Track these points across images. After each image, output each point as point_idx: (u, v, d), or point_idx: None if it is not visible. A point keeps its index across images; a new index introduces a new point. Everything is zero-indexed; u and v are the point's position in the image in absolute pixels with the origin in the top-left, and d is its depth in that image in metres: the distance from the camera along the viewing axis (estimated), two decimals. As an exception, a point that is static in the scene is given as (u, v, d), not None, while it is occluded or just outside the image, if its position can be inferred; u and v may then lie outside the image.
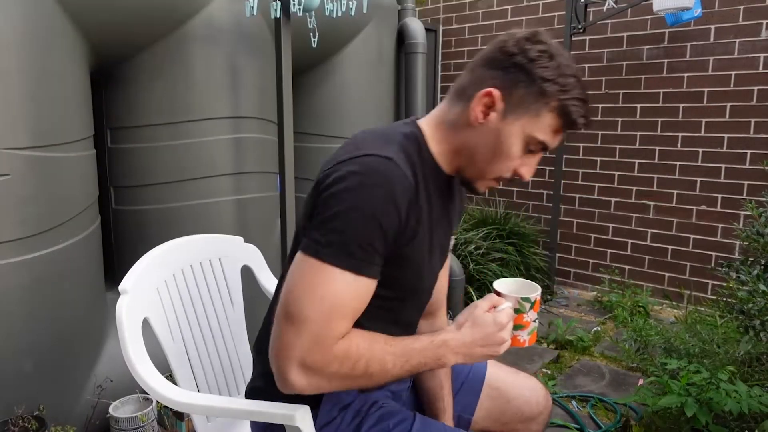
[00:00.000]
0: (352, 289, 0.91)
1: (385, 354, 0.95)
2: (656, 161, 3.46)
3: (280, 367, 0.93)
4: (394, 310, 1.07)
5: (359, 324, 0.97)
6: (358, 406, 1.11)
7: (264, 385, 1.10)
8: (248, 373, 1.47)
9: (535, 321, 1.03)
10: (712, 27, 3.17)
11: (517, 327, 1.01)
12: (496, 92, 0.93)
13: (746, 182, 3.17)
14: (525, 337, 1.02)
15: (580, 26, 3.40)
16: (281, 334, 0.92)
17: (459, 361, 0.99)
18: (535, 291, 1.02)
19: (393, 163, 0.91)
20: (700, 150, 3.30)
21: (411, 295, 1.08)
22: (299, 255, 0.93)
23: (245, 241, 1.52)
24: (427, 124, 1.04)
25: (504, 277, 3.32)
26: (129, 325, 1.14)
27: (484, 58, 0.97)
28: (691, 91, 3.28)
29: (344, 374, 0.93)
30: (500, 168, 0.98)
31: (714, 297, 3.21)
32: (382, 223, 0.90)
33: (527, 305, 1.00)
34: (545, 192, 3.94)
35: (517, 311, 1.00)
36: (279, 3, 2.05)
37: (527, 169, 0.99)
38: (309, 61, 2.79)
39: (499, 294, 1.02)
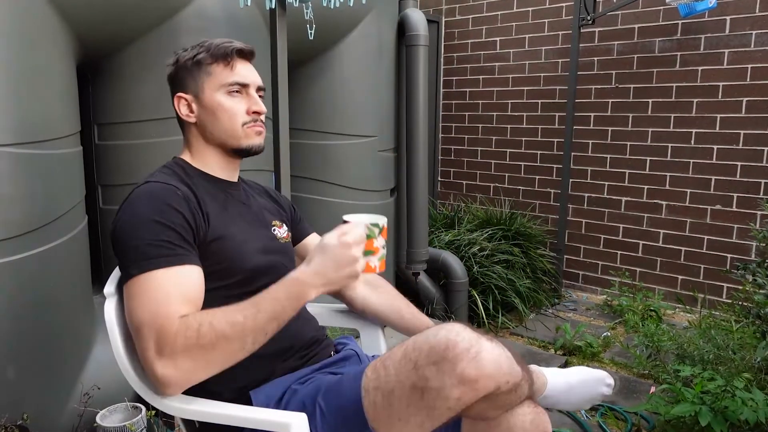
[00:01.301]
0: (168, 280, 1.06)
1: (232, 312, 1.05)
2: (669, 159, 3.46)
3: (149, 373, 1.05)
4: (246, 294, 1.17)
5: None
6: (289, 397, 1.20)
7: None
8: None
9: (383, 248, 1.14)
10: (728, 18, 3.18)
11: (367, 253, 1.11)
12: (180, 94, 1.28)
13: (763, 181, 3.17)
14: (376, 263, 1.13)
15: (589, 18, 3.40)
16: (138, 349, 1.06)
17: (321, 291, 1.09)
18: (381, 219, 1.14)
19: (151, 183, 1.16)
20: (715, 147, 3.30)
21: (253, 278, 1.22)
22: (124, 288, 1.09)
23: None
24: (183, 154, 1.32)
25: (510, 280, 3.33)
26: (120, 327, 1.16)
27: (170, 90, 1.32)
28: (706, 85, 3.29)
29: (195, 344, 1.02)
30: (234, 119, 1.26)
31: (729, 301, 3.22)
32: (163, 221, 1.09)
33: (376, 230, 1.12)
34: (552, 191, 3.94)
35: (367, 237, 1.11)
36: (274, -7, 2.05)
37: (255, 106, 1.27)
38: (305, 54, 2.79)
39: (346, 223, 1.12)
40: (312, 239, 1.52)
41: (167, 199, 1.13)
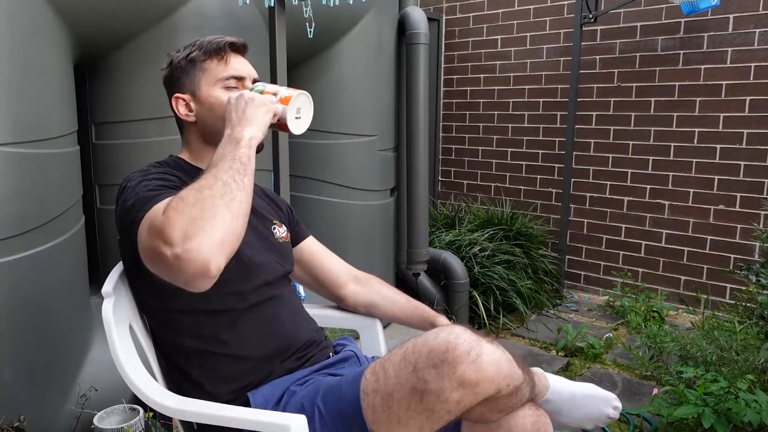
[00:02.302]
0: (161, 206, 1.04)
1: (198, 179, 1.04)
2: (671, 158, 3.46)
3: (173, 268, 0.97)
4: (242, 293, 1.23)
5: (222, 324, 1.20)
6: (288, 397, 1.19)
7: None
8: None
9: (281, 86, 1.26)
10: (731, 16, 3.18)
11: (273, 96, 1.22)
12: (177, 94, 1.29)
13: (767, 180, 3.17)
14: (286, 92, 1.23)
15: (591, 15, 3.40)
16: (160, 268, 1.00)
17: (248, 129, 1.12)
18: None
19: (145, 168, 1.23)
20: (718, 146, 3.30)
21: (246, 274, 1.24)
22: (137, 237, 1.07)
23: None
24: (181, 153, 1.35)
25: (511, 281, 3.33)
26: (117, 328, 1.16)
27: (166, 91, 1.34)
28: (709, 84, 3.29)
29: (185, 206, 0.98)
30: None
31: (732, 301, 3.22)
32: (157, 178, 1.17)
33: (259, 86, 1.26)
34: (554, 191, 3.94)
35: (259, 92, 1.23)
36: (273, -9, 2.05)
37: None
38: (305, 53, 2.79)
39: None
40: (309, 242, 1.53)
41: (159, 170, 1.21)
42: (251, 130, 1.12)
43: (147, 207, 1.06)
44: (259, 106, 1.15)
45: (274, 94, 1.23)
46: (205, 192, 0.99)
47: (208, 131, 1.28)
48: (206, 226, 0.96)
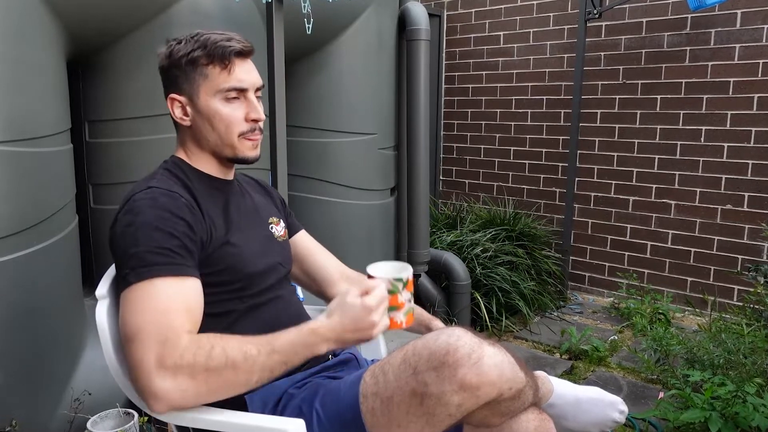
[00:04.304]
0: (171, 290, 1.05)
1: (245, 343, 1.04)
2: (678, 157, 3.46)
3: (143, 383, 1.00)
4: (242, 297, 1.23)
5: (222, 326, 1.15)
6: (288, 399, 1.19)
7: None
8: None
9: (409, 301, 1.12)
10: (739, 12, 3.18)
11: (392, 308, 1.09)
12: (173, 95, 1.23)
13: (775, 179, 3.17)
14: (402, 318, 1.11)
15: (595, 11, 3.40)
16: (131, 357, 1.03)
17: (332, 347, 1.08)
18: (406, 270, 1.12)
19: (153, 189, 1.14)
20: (726, 145, 3.30)
21: (251, 283, 1.24)
22: (121, 297, 1.07)
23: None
24: (178, 152, 1.30)
25: (513, 282, 3.33)
26: (112, 330, 1.16)
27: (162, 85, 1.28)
28: (716, 81, 3.29)
29: (203, 364, 0.99)
30: (231, 128, 1.21)
31: (740, 303, 3.22)
32: (165, 228, 1.08)
33: (400, 285, 1.10)
34: (558, 190, 3.94)
35: (390, 292, 1.08)
36: (271, -14, 2.05)
37: (254, 113, 1.23)
38: (303, 49, 2.79)
39: (371, 277, 1.09)
40: (302, 236, 1.52)
41: (169, 206, 1.12)
42: (331, 347, 1.08)
43: (143, 275, 1.05)
44: (365, 339, 1.07)
45: (393, 308, 1.10)
46: (231, 375, 1.02)
47: (203, 138, 1.24)
48: (195, 400, 1.03)
